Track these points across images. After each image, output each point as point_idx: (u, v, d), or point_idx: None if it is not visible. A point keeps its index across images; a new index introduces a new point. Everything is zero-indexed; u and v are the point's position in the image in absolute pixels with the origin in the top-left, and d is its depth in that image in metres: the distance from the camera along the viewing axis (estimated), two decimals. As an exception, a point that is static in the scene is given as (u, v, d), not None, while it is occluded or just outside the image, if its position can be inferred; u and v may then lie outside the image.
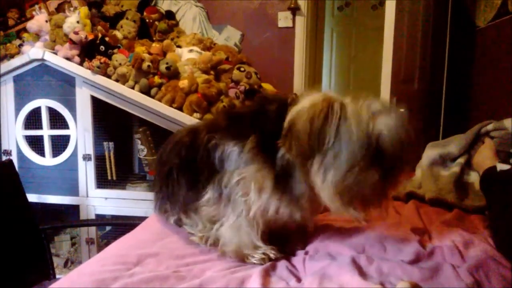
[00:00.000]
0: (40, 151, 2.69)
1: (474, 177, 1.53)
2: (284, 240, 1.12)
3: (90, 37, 2.58)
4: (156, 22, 3.07)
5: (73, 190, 2.65)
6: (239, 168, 1.05)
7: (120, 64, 2.50)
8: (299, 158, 0.96)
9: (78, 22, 2.59)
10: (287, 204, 1.03)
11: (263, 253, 1.06)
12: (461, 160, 1.60)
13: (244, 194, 1.05)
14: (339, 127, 0.90)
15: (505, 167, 1.30)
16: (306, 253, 1.10)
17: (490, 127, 1.59)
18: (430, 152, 1.71)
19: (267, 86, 2.96)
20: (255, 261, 1.06)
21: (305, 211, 1.06)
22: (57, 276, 1.89)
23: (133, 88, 2.48)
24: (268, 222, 1.08)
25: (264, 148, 1.03)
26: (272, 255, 1.06)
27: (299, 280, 0.97)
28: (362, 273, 0.93)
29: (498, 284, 0.92)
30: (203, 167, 1.14)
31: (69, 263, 2.82)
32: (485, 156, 1.48)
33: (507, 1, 2.29)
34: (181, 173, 1.23)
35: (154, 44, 2.73)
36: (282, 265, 1.04)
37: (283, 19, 3.23)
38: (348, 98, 0.96)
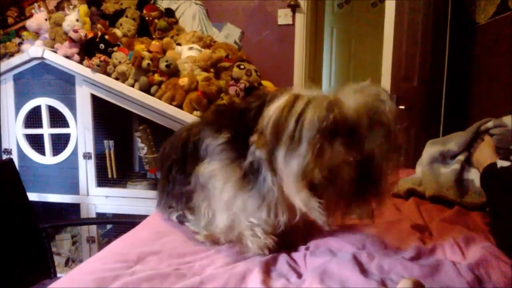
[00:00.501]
0: (40, 149, 2.69)
1: (474, 174, 1.52)
2: (285, 233, 1.12)
3: (90, 35, 2.58)
4: (156, 20, 3.06)
5: (74, 188, 2.65)
6: (211, 160, 1.07)
7: (120, 62, 2.50)
8: (265, 151, 0.95)
9: (77, 20, 2.59)
10: (254, 200, 1.03)
11: (259, 234, 1.06)
12: (461, 157, 1.60)
13: (213, 186, 1.07)
14: (301, 116, 0.90)
15: (506, 164, 1.30)
16: (307, 248, 1.10)
17: (490, 124, 1.58)
18: (430, 150, 1.71)
19: (267, 84, 2.95)
20: (250, 244, 1.06)
21: (275, 210, 1.04)
22: (58, 275, 1.89)
23: (133, 86, 2.48)
24: None
25: (236, 144, 1.04)
26: (269, 243, 1.07)
27: (299, 275, 0.97)
28: (363, 270, 0.93)
29: (499, 281, 0.92)
30: (192, 160, 1.17)
31: (70, 262, 2.82)
32: (485, 153, 1.47)
33: (507, -2, 2.29)
34: (179, 168, 1.24)
35: (153, 42, 2.73)
36: (282, 260, 1.04)
37: (283, 16, 3.22)
38: (323, 93, 0.96)
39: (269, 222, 1.06)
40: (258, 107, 1.00)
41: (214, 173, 1.06)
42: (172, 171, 1.27)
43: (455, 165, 1.57)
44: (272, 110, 0.93)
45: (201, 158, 1.12)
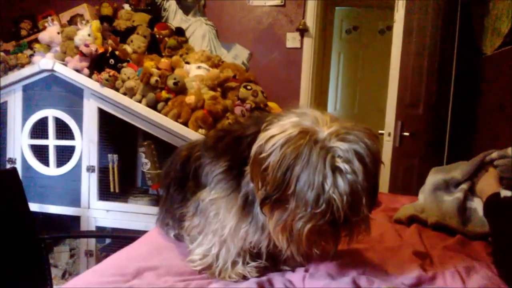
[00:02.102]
0: (44, 160, 2.70)
1: (477, 203, 1.51)
2: (280, 255, 1.11)
3: (101, 50, 2.62)
4: (166, 38, 3.11)
5: (75, 201, 2.65)
6: (212, 188, 1.06)
7: (128, 77, 2.53)
8: (256, 188, 0.94)
9: (89, 35, 2.63)
10: (254, 230, 1.02)
11: (240, 272, 1.05)
12: (464, 186, 1.59)
13: (216, 214, 1.06)
14: (302, 172, 0.85)
15: (509, 193, 1.30)
16: (307, 270, 1.09)
17: (494, 155, 1.58)
18: (434, 177, 1.70)
19: (273, 105, 2.97)
20: (231, 279, 1.05)
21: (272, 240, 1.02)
22: (54, 287, 1.87)
23: (140, 102, 2.50)
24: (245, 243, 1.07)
25: (234, 173, 1.03)
26: (247, 272, 1.05)
27: (297, 298, 0.96)
28: (362, 295, 0.92)
29: (500, 312, 0.91)
30: (192, 184, 1.16)
31: (67, 275, 2.80)
32: (488, 184, 1.47)
33: (513, 30, 2.31)
34: (177, 187, 1.24)
35: (163, 60, 2.77)
36: (279, 282, 1.03)
37: (291, 39, 3.27)
38: (323, 131, 0.89)
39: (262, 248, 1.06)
40: (253, 135, 0.98)
41: (215, 202, 1.06)
42: (170, 189, 1.28)
43: (458, 194, 1.56)
44: (270, 145, 0.88)
45: (202, 184, 1.11)
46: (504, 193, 1.32)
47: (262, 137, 0.91)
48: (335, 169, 0.85)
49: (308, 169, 0.85)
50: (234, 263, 1.06)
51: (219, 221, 1.05)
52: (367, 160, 0.87)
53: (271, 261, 1.11)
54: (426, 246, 1.36)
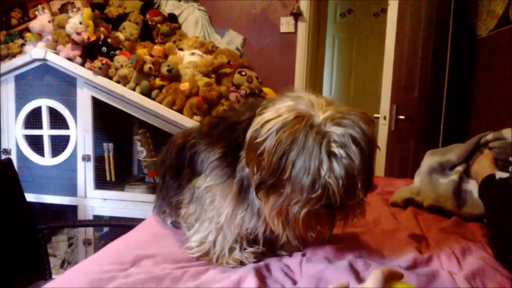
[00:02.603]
0: (39, 150, 2.69)
1: (472, 185, 1.53)
2: (277, 240, 1.11)
3: (92, 38, 2.59)
4: (159, 25, 3.08)
5: (72, 190, 2.64)
6: (207, 175, 1.06)
7: (121, 65, 2.50)
8: (252, 174, 0.94)
9: (80, 23, 2.60)
10: (250, 216, 1.02)
11: (237, 258, 1.06)
12: (459, 168, 1.60)
13: (212, 201, 1.06)
14: (298, 157, 0.85)
15: (504, 175, 1.30)
16: (304, 254, 1.10)
17: (489, 137, 1.59)
18: (429, 160, 1.71)
19: (268, 91, 2.96)
20: (228, 265, 1.06)
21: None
22: (53, 276, 1.88)
23: (134, 89, 2.48)
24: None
25: (229, 159, 1.02)
26: (244, 258, 1.06)
27: (294, 282, 0.97)
28: (359, 278, 0.93)
29: (495, 292, 0.92)
30: (188, 171, 1.16)
31: (66, 264, 2.81)
32: (483, 165, 1.48)
33: (508, 11, 2.30)
34: (172, 175, 1.25)
35: (156, 47, 2.74)
36: (277, 267, 1.03)
37: (285, 24, 3.24)
38: (319, 115, 0.88)
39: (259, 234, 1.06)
40: (248, 120, 0.97)
41: (211, 189, 1.06)
42: (166, 177, 1.28)
43: (453, 176, 1.57)
44: (266, 130, 0.88)
45: (198, 171, 1.11)
46: (499, 174, 1.33)
47: (257, 122, 0.91)
48: (331, 154, 0.85)
49: (304, 154, 0.85)
50: (231, 249, 1.07)
51: (215, 208, 1.05)
52: (362, 145, 0.87)
53: (268, 246, 1.12)
54: (422, 228, 1.37)
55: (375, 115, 2.83)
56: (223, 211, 1.03)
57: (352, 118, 0.88)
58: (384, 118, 2.72)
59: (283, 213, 0.90)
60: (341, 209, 0.89)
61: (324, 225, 0.95)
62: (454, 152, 1.65)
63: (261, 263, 1.05)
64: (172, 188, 1.24)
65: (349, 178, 0.85)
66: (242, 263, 1.06)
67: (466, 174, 1.59)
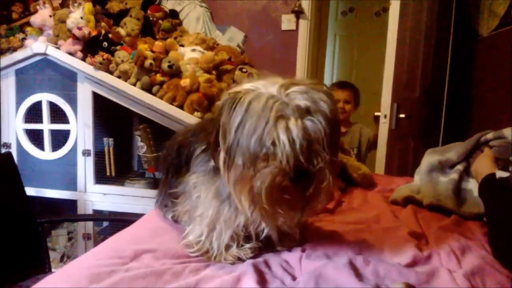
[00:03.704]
0: (39, 145, 2.69)
1: (472, 184, 1.53)
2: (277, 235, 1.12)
3: (94, 33, 2.59)
4: (160, 21, 3.07)
5: (72, 185, 2.65)
6: (194, 172, 1.07)
7: (122, 61, 2.50)
8: (212, 154, 0.94)
9: (82, 18, 2.60)
10: (236, 210, 1.01)
11: (235, 254, 1.06)
12: (459, 167, 1.60)
13: (197, 198, 1.07)
14: (242, 121, 0.85)
15: (504, 174, 1.31)
16: (303, 250, 1.10)
17: (489, 136, 1.59)
18: (429, 158, 1.71)
19: (269, 88, 2.95)
20: (226, 261, 1.06)
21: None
22: (53, 270, 1.88)
23: (134, 85, 2.48)
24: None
25: (210, 153, 1.02)
26: (242, 255, 1.06)
27: (294, 278, 0.97)
28: (358, 275, 0.93)
29: (494, 290, 0.92)
30: (185, 168, 1.17)
31: (65, 258, 2.82)
32: (484, 164, 1.48)
33: (510, 11, 2.30)
34: (175, 171, 1.25)
35: (157, 42, 2.74)
36: (276, 263, 1.03)
37: (287, 22, 3.23)
38: (275, 85, 0.88)
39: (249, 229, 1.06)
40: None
41: (196, 185, 1.07)
42: (169, 173, 1.28)
43: (453, 175, 1.57)
44: (221, 107, 0.90)
45: (189, 167, 1.13)
46: (500, 174, 1.33)
47: (218, 103, 0.92)
48: (283, 116, 0.84)
49: (252, 117, 0.84)
50: (228, 247, 1.07)
51: (202, 205, 1.06)
52: (321, 105, 0.86)
53: (266, 242, 1.12)
54: (422, 226, 1.37)
55: (376, 114, 2.83)
56: (209, 207, 1.04)
57: (306, 83, 0.89)
58: (385, 116, 2.72)
59: (247, 188, 0.88)
60: (306, 179, 0.86)
61: (292, 201, 0.90)
62: (454, 151, 1.65)
63: (260, 259, 1.05)
64: (173, 184, 1.24)
65: (307, 140, 0.83)
66: (240, 259, 1.06)
67: (466, 173, 1.59)
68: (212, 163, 1.01)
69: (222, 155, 0.90)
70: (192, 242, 1.10)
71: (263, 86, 0.89)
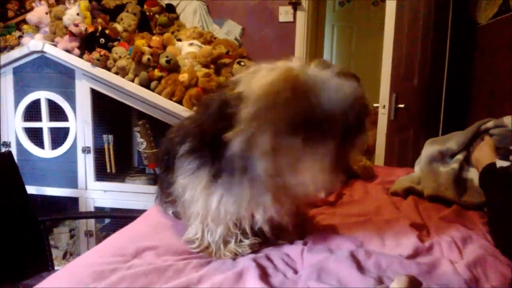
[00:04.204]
0: (39, 143, 2.69)
1: (473, 174, 1.53)
2: (276, 229, 1.12)
3: (90, 29, 2.57)
4: (157, 15, 3.06)
5: (72, 182, 2.65)
6: (180, 173, 1.07)
7: (120, 57, 2.49)
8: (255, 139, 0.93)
9: (78, 14, 2.58)
10: (217, 206, 1.02)
11: (232, 250, 1.06)
12: (460, 156, 1.60)
13: (187, 197, 1.06)
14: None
15: (505, 164, 1.30)
16: (305, 244, 1.10)
17: (490, 124, 1.59)
18: (429, 149, 1.71)
19: (267, 81, 2.94)
20: (226, 257, 1.06)
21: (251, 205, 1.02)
22: (56, 268, 1.89)
23: (132, 81, 2.48)
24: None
25: (198, 150, 1.03)
26: (240, 252, 1.06)
27: (296, 272, 0.97)
28: (360, 268, 0.93)
29: (496, 280, 0.93)
30: (174, 165, 1.15)
31: (68, 255, 2.83)
32: (484, 153, 1.48)
33: (508, -2, 2.29)
34: (164, 169, 1.25)
35: (154, 37, 2.73)
36: (277, 257, 1.04)
37: (284, 13, 3.22)
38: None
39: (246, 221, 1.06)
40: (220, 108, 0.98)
41: (184, 186, 1.07)
42: (164, 170, 1.27)
43: (454, 165, 1.57)
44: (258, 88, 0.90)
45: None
46: (500, 163, 1.33)
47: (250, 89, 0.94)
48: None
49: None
50: (227, 243, 1.07)
51: (192, 203, 1.06)
52: None
53: (265, 237, 1.12)
54: (423, 217, 1.37)
55: (375, 104, 2.82)
56: (198, 204, 1.04)
57: None
58: (384, 107, 2.71)
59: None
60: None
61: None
62: (454, 140, 1.65)
63: (262, 254, 1.06)
64: (165, 181, 1.24)
65: None
66: (237, 255, 1.06)
67: (467, 162, 1.59)
68: (194, 162, 1.02)
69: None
70: (192, 238, 1.10)
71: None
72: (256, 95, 0.89)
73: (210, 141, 0.99)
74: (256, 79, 0.93)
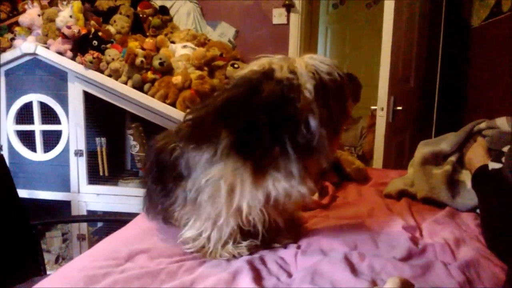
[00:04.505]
0: (31, 146, 2.67)
1: (465, 176, 1.53)
2: (271, 232, 1.11)
3: (83, 31, 2.56)
4: (150, 17, 3.05)
5: (65, 185, 2.63)
6: (208, 170, 1.01)
7: (113, 59, 2.48)
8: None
9: (71, 16, 2.57)
10: (253, 202, 1.01)
11: (230, 251, 1.06)
12: (452, 158, 1.60)
13: (212, 196, 1.02)
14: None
15: (497, 166, 1.31)
16: (299, 247, 1.10)
17: (482, 125, 1.59)
18: (423, 150, 1.71)
19: (261, 83, 2.94)
20: (222, 257, 1.06)
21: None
22: (48, 272, 1.88)
23: (126, 83, 2.46)
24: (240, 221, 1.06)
25: (242, 143, 0.99)
26: (237, 253, 1.06)
27: (290, 275, 0.97)
28: (354, 270, 0.93)
29: (489, 282, 0.93)
30: (170, 174, 1.12)
31: (60, 259, 2.81)
32: (477, 154, 1.48)
33: (500, 1, 2.30)
34: (155, 180, 1.21)
35: (147, 40, 2.72)
36: (271, 259, 1.04)
37: (278, 16, 3.22)
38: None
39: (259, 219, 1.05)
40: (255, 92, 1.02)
41: (215, 182, 1.01)
42: (150, 181, 1.24)
43: (447, 166, 1.57)
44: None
45: (184, 174, 1.07)
46: (492, 165, 1.33)
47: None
48: None
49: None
50: (225, 244, 1.06)
51: (213, 204, 1.03)
52: None
53: (263, 239, 1.11)
54: (416, 219, 1.38)
55: (372, 107, 2.81)
56: (222, 206, 1.01)
57: None
58: (382, 109, 2.70)
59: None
60: None
61: None
62: (447, 141, 1.65)
63: (256, 256, 1.06)
64: (155, 192, 1.21)
65: None
66: (234, 256, 1.06)
67: (460, 164, 1.59)
68: (234, 158, 0.99)
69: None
70: (189, 238, 1.09)
71: None
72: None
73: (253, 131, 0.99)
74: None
